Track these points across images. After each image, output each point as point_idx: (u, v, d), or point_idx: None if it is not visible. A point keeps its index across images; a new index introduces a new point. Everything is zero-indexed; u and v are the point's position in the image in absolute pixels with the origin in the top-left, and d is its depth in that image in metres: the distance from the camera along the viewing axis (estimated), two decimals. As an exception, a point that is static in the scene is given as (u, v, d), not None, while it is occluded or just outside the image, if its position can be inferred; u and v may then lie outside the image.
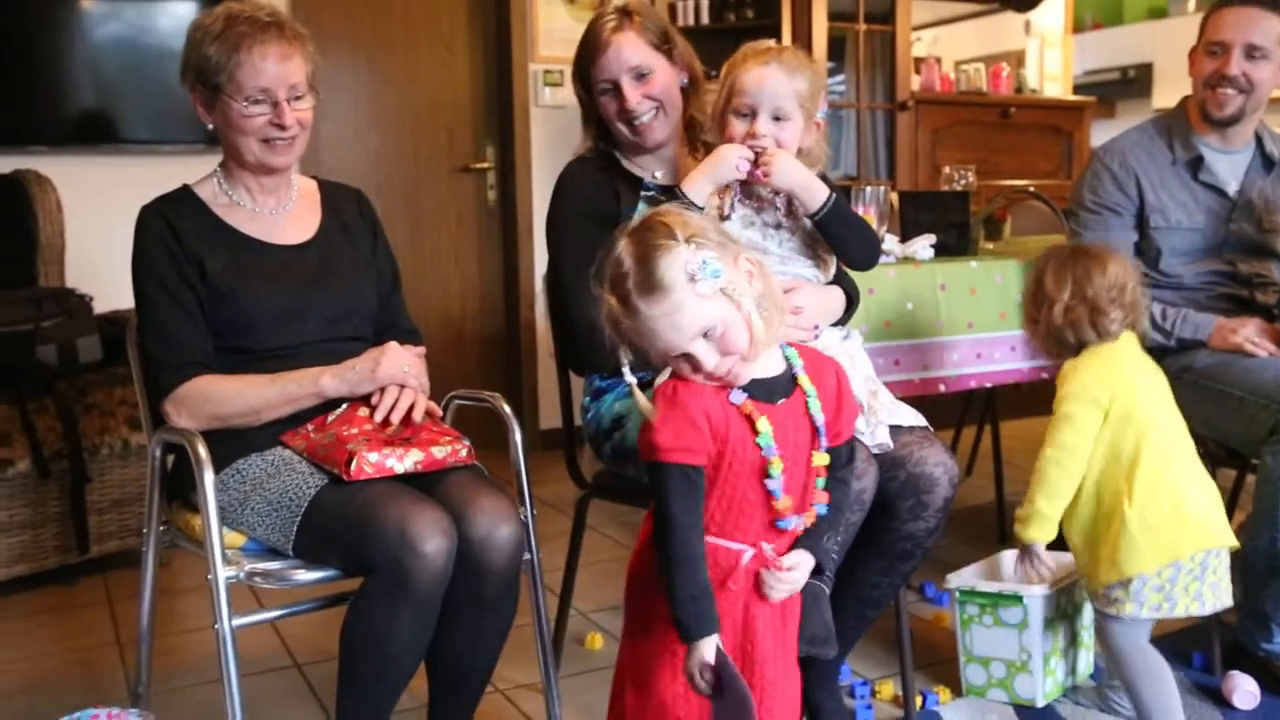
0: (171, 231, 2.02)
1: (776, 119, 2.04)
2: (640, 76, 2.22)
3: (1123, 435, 2.11)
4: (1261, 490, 2.34)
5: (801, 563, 1.58)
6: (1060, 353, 2.24)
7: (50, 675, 2.66)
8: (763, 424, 1.52)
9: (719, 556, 1.54)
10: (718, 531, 1.55)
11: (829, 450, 1.59)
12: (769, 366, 1.57)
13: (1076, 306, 2.18)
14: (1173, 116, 2.84)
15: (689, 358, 1.49)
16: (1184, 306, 2.68)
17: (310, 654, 2.70)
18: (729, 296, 1.49)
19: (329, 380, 1.99)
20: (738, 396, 1.52)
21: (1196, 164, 2.76)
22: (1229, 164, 2.79)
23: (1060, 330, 2.20)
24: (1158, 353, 2.44)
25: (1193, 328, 2.64)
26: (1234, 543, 2.13)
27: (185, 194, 2.11)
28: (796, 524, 1.57)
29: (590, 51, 2.25)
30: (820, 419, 1.57)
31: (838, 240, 2.10)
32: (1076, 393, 2.15)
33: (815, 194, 2.03)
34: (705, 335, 1.48)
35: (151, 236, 2.03)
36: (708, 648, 1.48)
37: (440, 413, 2.11)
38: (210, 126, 2.07)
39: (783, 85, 2.03)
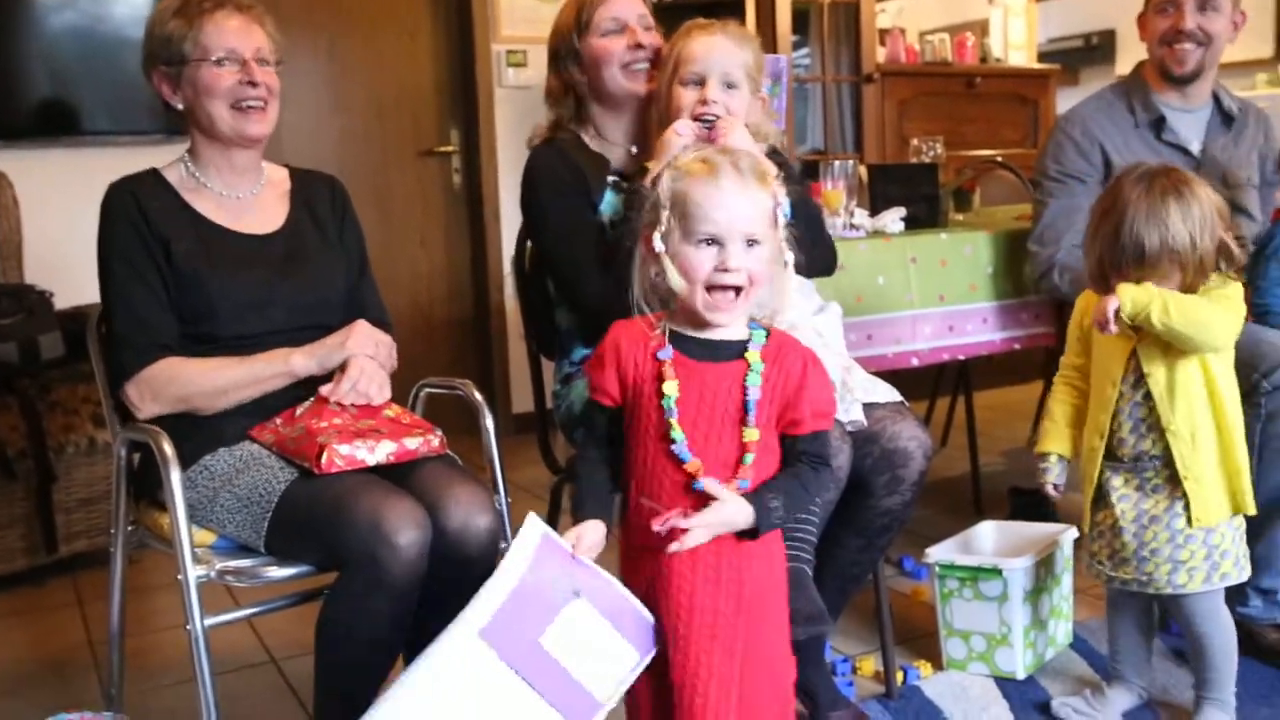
0: (139, 210, 1.99)
1: (727, 86, 2.04)
2: (646, 28, 2.25)
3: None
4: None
5: (718, 507, 1.50)
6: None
7: (22, 679, 2.63)
8: (669, 387, 1.52)
9: (644, 515, 1.54)
10: (642, 488, 1.55)
11: (786, 436, 1.58)
12: (726, 330, 1.57)
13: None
14: (1130, 81, 2.85)
15: (714, 243, 1.51)
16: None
17: (287, 649, 2.68)
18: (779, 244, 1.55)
19: (299, 359, 1.97)
20: (665, 353, 1.54)
21: (1159, 124, 2.77)
22: (1190, 123, 2.79)
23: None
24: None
25: None
26: None
27: (153, 175, 2.08)
28: (714, 488, 1.50)
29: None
30: (755, 395, 1.53)
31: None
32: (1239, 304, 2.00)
33: None
34: (749, 241, 1.52)
35: (118, 214, 2.00)
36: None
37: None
38: (180, 106, 2.04)
39: (732, 54, 2.06)
